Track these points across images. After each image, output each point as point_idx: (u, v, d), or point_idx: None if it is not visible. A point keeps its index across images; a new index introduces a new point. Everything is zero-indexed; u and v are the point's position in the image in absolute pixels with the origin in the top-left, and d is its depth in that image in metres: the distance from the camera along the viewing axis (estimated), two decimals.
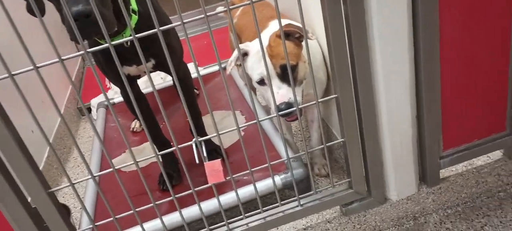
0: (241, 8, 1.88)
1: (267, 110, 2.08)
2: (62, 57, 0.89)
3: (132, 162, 1.13)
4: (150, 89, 2.52)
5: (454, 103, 1.27)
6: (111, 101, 2.51)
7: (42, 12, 1.20)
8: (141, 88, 2.29)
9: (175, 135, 1.11)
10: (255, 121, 1.14)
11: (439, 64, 1.19)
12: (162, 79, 2.74)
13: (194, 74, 2.61)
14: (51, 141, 2.30)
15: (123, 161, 2.02)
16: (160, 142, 1.79)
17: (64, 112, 2.63)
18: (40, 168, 2.06)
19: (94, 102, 2.70)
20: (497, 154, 1.46)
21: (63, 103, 2.66)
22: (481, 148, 1.36)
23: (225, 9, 1.04)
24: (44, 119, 2.24)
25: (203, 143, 1.20)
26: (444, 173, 1.43)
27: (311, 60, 1.46)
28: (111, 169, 1.13)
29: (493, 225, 1.37)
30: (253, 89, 2.05)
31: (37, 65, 0.90)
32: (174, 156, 1.82)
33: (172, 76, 1.69)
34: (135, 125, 2.25)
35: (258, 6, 1.78)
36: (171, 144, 1.90)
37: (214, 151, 1.84)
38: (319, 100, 1.15)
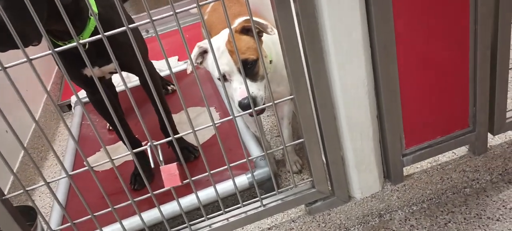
0: (212, 4, 1.86)
1: None
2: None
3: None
4: (123, 87, 2.50)
5: (414, 102, 1.26)
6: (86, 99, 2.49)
7: None
8: (116, 85, 2.28)
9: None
10: (211, 124, 1.13)
11: (396, 63, 1.17)
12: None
13: (167, 71, 2.59)
14: (28, 138, 2.29)
15: (97, 160, 2.01)
16: (131, 141, 1.77)
17: (43, 109, 2.61)
18: (15, 167, 2.08)
19: (74, 99, 2.69)
20: (462, 150, 1.45)
21: (43, 100, 2.65)
22: (444, 144, 1.35)
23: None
24: (23, 117, 2.22)
25: (159, 146, 1.19)
26: (409, 170, 1.43)
27: (276, 57, 1.46)
28: (64, 176, 1.13)
29: (457, 222, 1.37)
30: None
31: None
32: (146, 155, 1.81)
33: (138, 76, 1.69)
34: None
35: (227, 3, 1.76)
36: (143, 143, 1.89)
37: (185, 149, 1.84)
38: (275, 102, 1.14)
